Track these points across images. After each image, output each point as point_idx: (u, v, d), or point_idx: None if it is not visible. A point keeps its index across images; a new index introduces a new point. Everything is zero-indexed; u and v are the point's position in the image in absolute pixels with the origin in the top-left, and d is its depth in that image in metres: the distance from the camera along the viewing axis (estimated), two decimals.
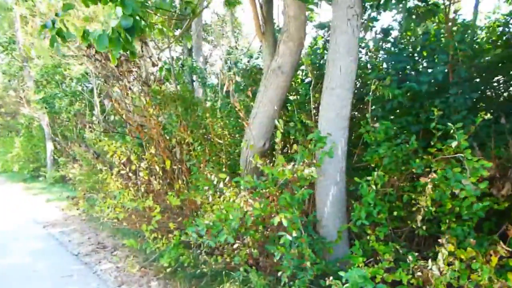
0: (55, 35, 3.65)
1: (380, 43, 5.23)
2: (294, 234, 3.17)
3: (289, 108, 5.01)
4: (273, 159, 4.92)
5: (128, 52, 5.17)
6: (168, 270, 4.28)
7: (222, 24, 13.87)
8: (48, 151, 15.68)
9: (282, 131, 3.53)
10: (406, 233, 3.89)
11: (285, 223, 3.13)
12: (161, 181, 4.30)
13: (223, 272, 4.13)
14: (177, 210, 4.37)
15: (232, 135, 5.23)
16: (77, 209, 5.11)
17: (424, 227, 3.52)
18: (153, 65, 5.12)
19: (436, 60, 4.48)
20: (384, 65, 4.90)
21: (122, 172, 4.33)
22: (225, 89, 7.81)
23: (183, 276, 4.31)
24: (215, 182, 3.50)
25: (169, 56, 6.07)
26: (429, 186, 3.19)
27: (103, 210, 4.04)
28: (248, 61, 6.82)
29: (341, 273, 2.86)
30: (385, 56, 5.02)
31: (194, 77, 10.00)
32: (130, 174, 4.53)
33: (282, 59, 4.38)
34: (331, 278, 2.79)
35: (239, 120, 5.11)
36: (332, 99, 3.94)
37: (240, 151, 5.15)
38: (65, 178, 14.32)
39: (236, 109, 4.35)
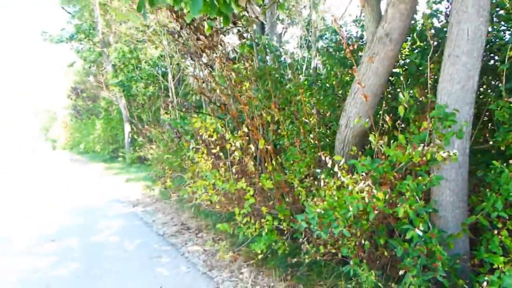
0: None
1: None
2: (421, 228, 2.68)
3: (393, 82, 4.42)
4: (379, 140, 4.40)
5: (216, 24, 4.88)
6: (259, 256, 3.99)
7: None
8: (126, 132, 16.38)
9: (406, 105, 3.01)
10: None
11: (411, 215, 2.65)
12: (253, 162, 3.99)
13: (322, 263, 3.75)
14: (268, 193, 4.05)
15: (324, 114, 4.77)
16: (165, 188, 5.00)
17: None
18: (241, 38, 4.77)
19: None
20: None
21: (214, 151, 4.09)
22: (313, 64, 7.35)
23: (277, 264, 4.00)
24: (329, 165, 3.08)
25: (251, 30, 5.70)
26: None
27: (194, 191, 3.83)
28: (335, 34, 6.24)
29: (490, 277, 2.33)
30: None
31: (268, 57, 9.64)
32: (221, 154, 4.29)
33: (390, 25, 3.80)
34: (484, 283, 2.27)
35: (335, 96, 4.63)
36: (457, 69, 3.30)
37: (333, 131, 4.68)
38: (141, 159, 14.94)
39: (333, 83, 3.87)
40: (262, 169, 4.46)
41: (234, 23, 4.48)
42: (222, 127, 4.04)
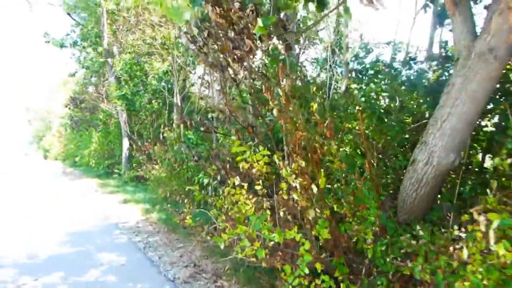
0: None
1: None
2: None
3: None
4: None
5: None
6: None
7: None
8: (124, 148, 15.41)
9: None
10: None
11: None
12: (308, 204, 3.06)
13: None
14: (324, 246, 3.11)
15: (382, 146, 3.88)
16: (184, 228, 4.05)
17: None
18: (288, 49, 3.88)
19: None
20: None
21: (257, 187, 3.19)
22: (343, 86, 6.51)
23: None
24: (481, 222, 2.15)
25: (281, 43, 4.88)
26: None
27: (230, 238, 2.87)
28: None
29: None
30: None
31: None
32: (259, 189, 3.38)
33: (495, 38, 2.99)
34: None
35: (402, 125, 3.75)
36: None
37: (399, 166, 3.78)
38: (138, 177, 13.91)
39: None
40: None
41: (284, 27, 3.64)
42: (278, 160, 3.11)
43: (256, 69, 4.70)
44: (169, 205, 7.22)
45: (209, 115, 6.60)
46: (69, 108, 23.18)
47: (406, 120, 3.88)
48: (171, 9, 3.27)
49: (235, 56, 4.59)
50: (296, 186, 2.89)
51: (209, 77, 14.35)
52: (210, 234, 3.38)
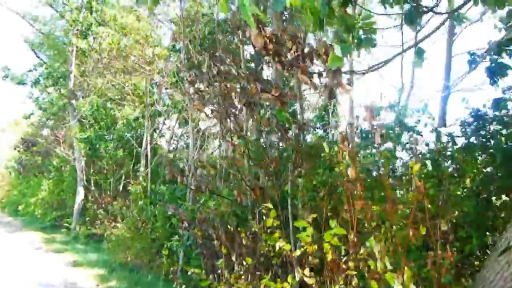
0: None
1: None
2: None
3: None
4: None
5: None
6: None
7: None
8: (78, 199, 13.78)
9: None
10: None
11: None
12: None
13: None
14: None
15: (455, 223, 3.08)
16: None
17: None
18: (330, 96, 3.06)
19: None
20: None
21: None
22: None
23: None
24: None
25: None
26: None
27: None
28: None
29: None
30: None
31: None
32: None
33: None
34: None
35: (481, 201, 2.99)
36: None
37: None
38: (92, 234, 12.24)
39: None
40: None
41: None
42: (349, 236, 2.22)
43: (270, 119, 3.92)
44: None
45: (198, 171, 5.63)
46: (18, 151, 21.22)
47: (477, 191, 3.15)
48: None
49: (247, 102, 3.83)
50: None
51: (184, 128, 13.58)
52: None
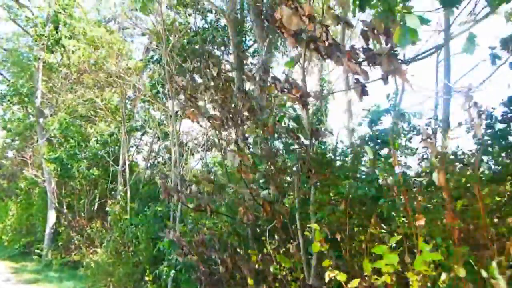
0: None
1: None
2: None
3: None
4: None
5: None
6: None
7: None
8: (49, 223, 12.85)
9: None
10: None
11: None
12: None
13: None
14: None
15: None
16: None
17: None
18: (362, 93, 2.71)
19: None
20: None
21: None
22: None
23: None
24: None
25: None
26: None
27: None
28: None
29: None
30: None
31: None
32: None
33: None
34: None
35: None
36: None
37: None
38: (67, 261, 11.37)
39: None
40: None
41: None
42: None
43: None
44: None
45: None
46: None
47: None
48: None
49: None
50: None
51: (161, 142, 12.98)
52: None
